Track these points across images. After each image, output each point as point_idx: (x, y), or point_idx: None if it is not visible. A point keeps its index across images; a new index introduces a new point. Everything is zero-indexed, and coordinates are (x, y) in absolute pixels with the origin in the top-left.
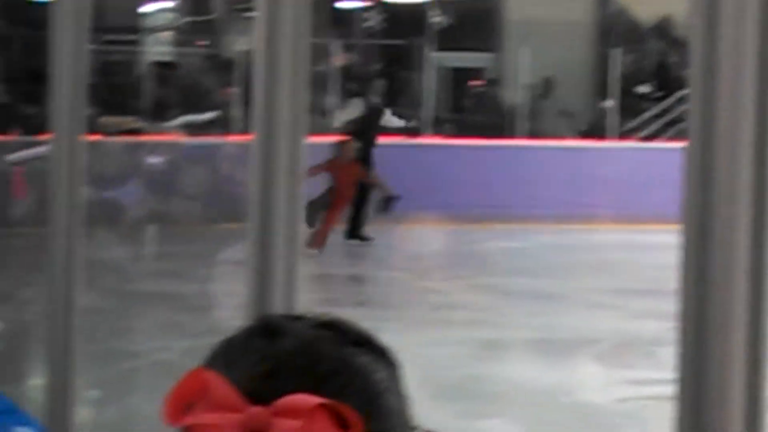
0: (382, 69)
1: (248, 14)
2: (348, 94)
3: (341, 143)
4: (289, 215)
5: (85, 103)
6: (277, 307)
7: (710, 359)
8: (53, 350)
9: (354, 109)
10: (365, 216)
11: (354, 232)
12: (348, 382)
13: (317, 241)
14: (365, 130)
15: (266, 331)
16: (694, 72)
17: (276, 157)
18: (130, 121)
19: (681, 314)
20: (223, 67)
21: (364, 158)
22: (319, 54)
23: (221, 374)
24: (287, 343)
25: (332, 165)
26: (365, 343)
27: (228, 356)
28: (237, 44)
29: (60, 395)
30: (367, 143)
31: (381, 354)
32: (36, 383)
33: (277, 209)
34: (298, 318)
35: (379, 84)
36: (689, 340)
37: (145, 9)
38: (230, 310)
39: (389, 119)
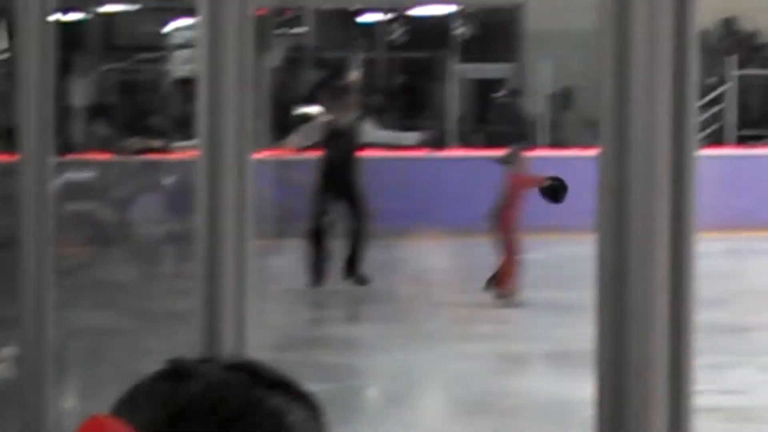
0: (405, 82)
1: (278, 30)
2: (369, 109)
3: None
4: (237, 247)
5: (52, 124)
6: (227, 341)
7: (630, 369)
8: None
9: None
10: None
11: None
12: (256, 424)
13: (505, 282)
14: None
15: (173, 374)
16: (605, 78)
17: (222, 179)
18: (153, 142)
19: (598, 324)
20: None
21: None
22: (342, 68)
23: (125, 420)
24: (193, 385)
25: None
26: (280, 385)
27: (133, 401)
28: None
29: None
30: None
31: (298, 396)
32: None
33: (225, 240)
34: (209, 360)
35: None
36: (607, 346)
37: (168, 27)
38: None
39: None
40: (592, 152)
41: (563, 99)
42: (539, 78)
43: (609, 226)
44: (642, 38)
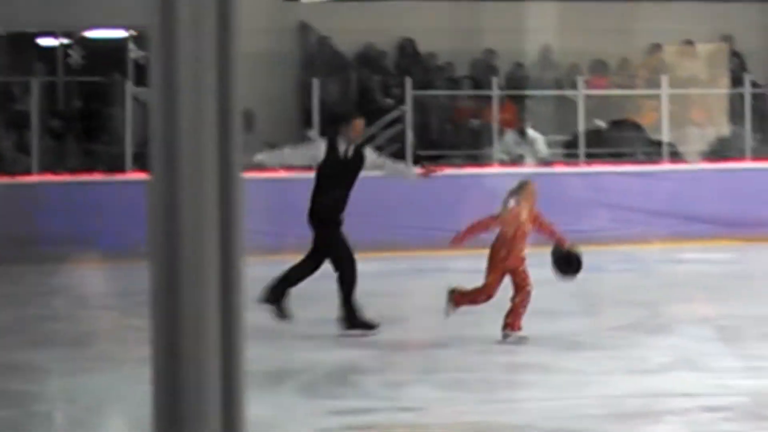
0: (83, 106)
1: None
2: (50, 133)
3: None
4: None
5: None
6: None
7: (184, 389)
8: None
9: None
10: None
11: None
12: None
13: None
14: None
15: None
16: (154, 110)
17: None
18: None
19: (153, 331)
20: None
21: None
22: (15, 93)
23: None
24: None
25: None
26: None
27: None
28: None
29: None
30: None
31: None
32: None
33: None
34: None
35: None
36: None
37: None
38: None
39: None
40: (273, 174)
41: (244, 121)
42: None
43: (160, 250)
44: (186, 63)
